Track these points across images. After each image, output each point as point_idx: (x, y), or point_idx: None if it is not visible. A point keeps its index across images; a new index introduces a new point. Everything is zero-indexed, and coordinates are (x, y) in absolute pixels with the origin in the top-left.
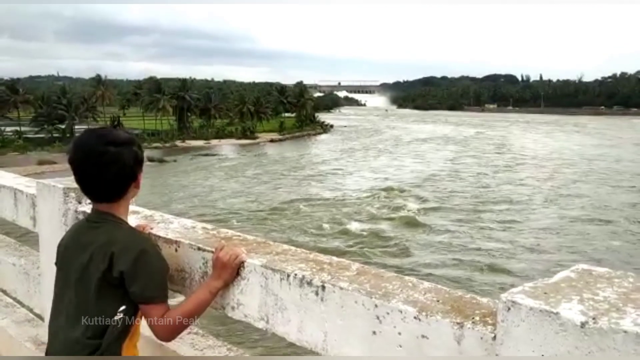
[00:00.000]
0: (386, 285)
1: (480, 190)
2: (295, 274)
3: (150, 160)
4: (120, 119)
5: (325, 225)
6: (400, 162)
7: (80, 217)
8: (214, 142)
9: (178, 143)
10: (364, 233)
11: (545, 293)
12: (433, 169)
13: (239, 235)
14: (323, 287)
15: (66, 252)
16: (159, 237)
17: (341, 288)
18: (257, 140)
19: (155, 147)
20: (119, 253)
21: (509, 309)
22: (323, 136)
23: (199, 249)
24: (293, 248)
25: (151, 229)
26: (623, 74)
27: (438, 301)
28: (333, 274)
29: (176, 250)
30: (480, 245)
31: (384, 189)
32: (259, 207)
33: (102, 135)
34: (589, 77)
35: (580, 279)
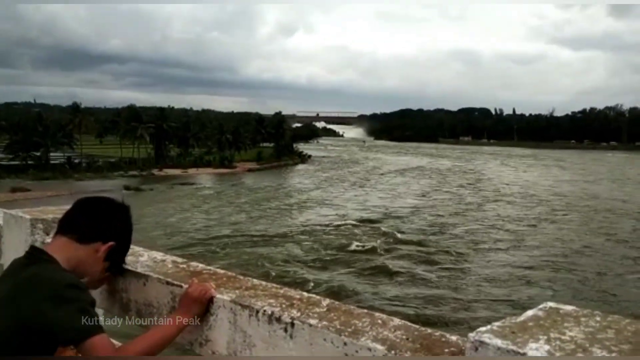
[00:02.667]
0: (356, 322)
1: (439, 229)
2: (264, 310)
3: (127, 188)
4: (97, 147)
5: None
6: (370, 196)
7: None
8: (192, 171)
9: (155, 172)
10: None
11: (513, 332)
12: (398, 205)
13: (209, 269)
14: (292, 324)
15: None
16: (128, 270)
17: (310, 325)
18: (235, 170)
19: (132, 176)
20: (44, 293)
21: (477, 348)
22: (301, 166)
23: (167, 283)
24: (264, 283)
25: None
26: (592, 109)
27: (407, 339)
28: (303, 310)
29: (144, 284)
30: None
31: (349, 223)
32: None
33: (102, 199)
34: (560, 111)
35: (548, 317)
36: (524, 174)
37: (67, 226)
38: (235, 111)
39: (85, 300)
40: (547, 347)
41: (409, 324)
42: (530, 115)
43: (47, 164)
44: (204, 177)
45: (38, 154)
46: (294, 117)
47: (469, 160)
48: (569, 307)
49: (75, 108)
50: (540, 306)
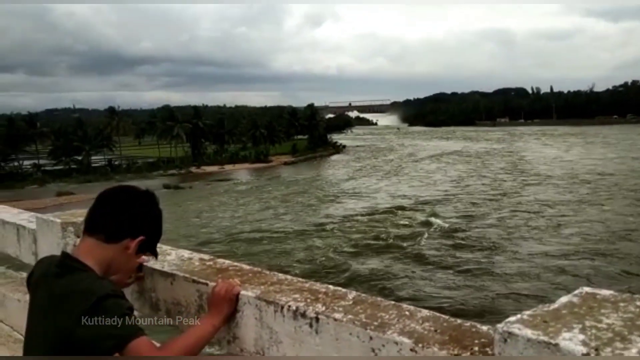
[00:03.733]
0: (382, 315)
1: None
2: (289, 306)
3: (166, 187)
4: (136, 148)
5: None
6: (404, 185)
7: None
8: (229, 167)
9: (193, 169)
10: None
11: (544, 322)
12: (431, 193)
13: (235, 266)
14: (317, 319)
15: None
16: (155, 270)
17: (335, 319)
18: (271, 164)
19: (171, 174)
20: (82, 304)
21: (506, 340)
22: (336, 157)
23: (193, 281)
24: (289, 277)
25: (148, 261)
26: (634, 82)
27: (436, 331)
28: (328, 304)
29: (171, 283)
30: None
31: (382, 212)
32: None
33: (125, 189)
34: (600, 87)
35: (584, 304)
36: (565, 153)
37: (92, 226)
38: (268, 105)
39: (123, 306)
40: (581, 336)
41: (438, 314)
42: (569, 92)
43: (89, 167)
44: (241, 173)
45: (80, 158)
46: (326, 108)
47: (507, 141)
48: (606, 292)
49: (112, 111)
50: (576, 292)
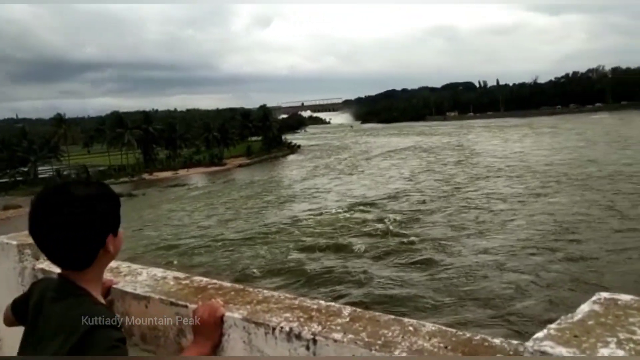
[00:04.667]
0: (384, 332)
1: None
2: (282, 327)
3: (119, 195)
4: (85, 156)
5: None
6: (355, 184)
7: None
8: (182, 172)
9: (145, 176)
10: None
11: (575, 336)
12: (382, 192)
13: (214, 283)
14: (314, 341)
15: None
16: (127, 293)
17: (335, 340)
18: (226, 167)
19: (123, 182)
20: (72, 334)
21: None
22: (291, 157)
23: (171, 304)
24: (275, 294)
25: (116, 283)
26: (575, 73)
27: (446, 347)
28: (324, 324)
29: (146, 306)
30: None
31: (331, 213)
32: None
33: (58, 195)
34: (543, 79)
35: (607, 312)
36: (514, 145)
37: (60, 261)
38: (219, 108)
39: (112, 338)
40: (620, 352)
41: (444, 328)
42: (514, 84)
43: (36, 178)
44: (195, 177)
45: (26, 169)
46: (279, 109)
47: (458, 135)
48: (626, 297)
49: (59, 119)
50: (594, 298)
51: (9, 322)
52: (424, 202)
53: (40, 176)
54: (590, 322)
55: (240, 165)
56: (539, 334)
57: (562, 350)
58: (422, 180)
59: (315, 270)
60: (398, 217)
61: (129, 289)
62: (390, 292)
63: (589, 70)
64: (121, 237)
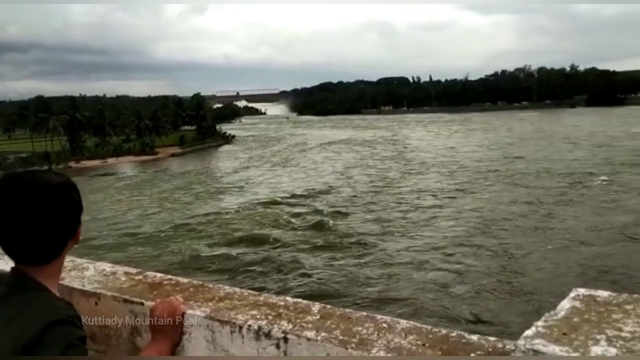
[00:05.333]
0: (358, 329)
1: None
2: (250, 325)
3: None
4: (5, 142)
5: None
6: (287, 177)
7: None
8: (112, 160)
9: (72, 164)
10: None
11: (564, 334)
12: (313, 185)
13: (170, 279)
14: (285, 339)
15: None
16: (74, 289)
17: (308, 339)
18: (158, 156)
19: (48, 170)
20: (28, 332)
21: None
22: (225, 147)
23: (125, 301)
24: (238, 290)
25: (62, 279)
26: (504, 72)
27: (424, 345)
28: (294, 321)
29: (96, 303)
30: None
31: (259, 206)
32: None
33: (32, 181)
34: (474, 76)
35: (589, 309)
36: (447, 140)
37: (25, 255)
38: (152, 95)
39: (72, 335)
40: (612, 350)
41: (419, 325)
42: (447, 80)
43: None
44: (125, 166)
45: None
46: (213, 98)
47: (393, 130)
48: (604, 293)
49: None
50: (572, 294)
51: None
52: (354, 197)
53: None
54: (575, 319)
55: (172, 155)
56: (528, 332)
57: (555, 349)
58: (354, 174)
59: (239, 263)
60: (326, 212)
61: (76, 285)
62: (313, 286)
63: (517, 70)
64: (81, 227)
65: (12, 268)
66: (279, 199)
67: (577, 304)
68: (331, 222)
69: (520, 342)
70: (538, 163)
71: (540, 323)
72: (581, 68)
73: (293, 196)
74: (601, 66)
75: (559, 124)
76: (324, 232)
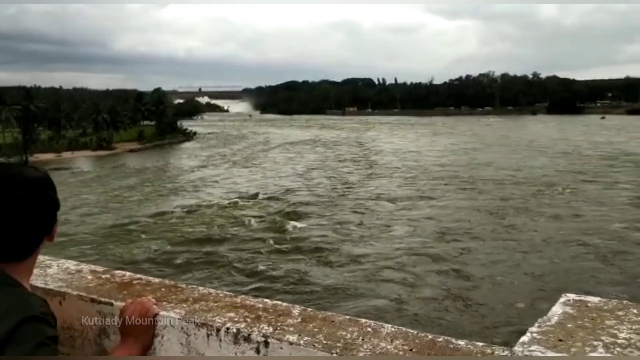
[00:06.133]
0: (342, 333)
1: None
2: (228, 328)
3: None
4: None
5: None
6: (246, 177)
7: None
8: (67, 154)
9: (25, 157)
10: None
11: (560, 340)
12: (271, 188)
13: (140, 278)
14: (266, 343)
15: None
16: (37, 287)
17: (290, 343)
18: (115, 151)
19: None
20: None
21: None
22: (186, 144)
23: (92, 300)
24: (213, 291)
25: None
26: (468, 77)
27: (411, 350)
28: (274, 324)
29: (60, 303)
30: None
31: (213, 206)
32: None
33: (6, 177)
34: (439, 80)
35: (582, 314)
36: (411, 144)
37: (2, 254)
38: (110, 89)
39: (44, 334)
40: (609, 356)
41: (404, 329)
42: (412, 83)
43: None
44: (81, 161)
45: None
46: (175, 93)
47: (357, 131)
48: (594, 299)
49: None
50: (563, 300)
51: None
52: (307, 203)
53: None
54: (569, 325)
55: (131, 151)
56: (524, 338)
57: (552, 354)
58: (314, 177)
59: (181, 264)
60: (278, 216)
61: (39, 283)
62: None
63: (481, 75)
64: (57, 224)
65: None
66: (232, 201)
67: (568, 309)
68: (283, 226)
69: (517, 348)
70: (502, 170)
71: (534, 329)
72: (542, 76)
73: (246, 198)
74: (561, 74)
75: (523, 131)
76: (273, 235)
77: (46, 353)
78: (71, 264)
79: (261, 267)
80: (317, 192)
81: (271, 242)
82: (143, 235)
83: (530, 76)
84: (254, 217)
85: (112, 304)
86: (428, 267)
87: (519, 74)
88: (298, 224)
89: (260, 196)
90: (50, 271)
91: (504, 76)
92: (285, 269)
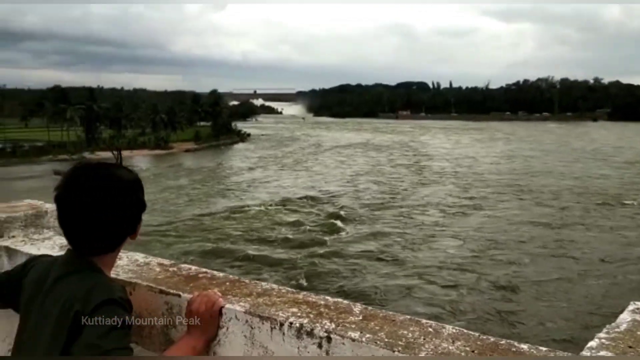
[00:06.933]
0: (403, 332)
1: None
2: (291, 323)
3: (57, 173)
4: (22, 130)
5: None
6: (297, 179)
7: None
8: (126, 153)
9: (87, 155)
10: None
11: (629, 347)
12: (320, 191)
13: (206, 272)
14: (329, 339)
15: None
16: (109, 278)
17: (352, 339)
18: (172, 151)
19: (63, 160)
20: (82, 307)
21: None
22: (240, 145)
23: (161, 292)
24: (276, 287)
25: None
26: (525, 81)
27: (473, 351)
28: (336, 321)
29: (131, 293)
30: None
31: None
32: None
33: (106, 176)
34: (494, 84)
35: None
36: (467, 149)
37: (86, 243)
38: (168, 90)
39: (120, 318)
40: None
41: (466, 331)
42: (467, 88)
43: None
44: (140, 159)
45: None
46: (230, 95)
47: (411, 135)
48: None
49: None
50: (631, 307)
51: None
52: (351, 209)
53: None
54: (639, 333)
55: (187, 151)
56: (592, 343)
57: None
58: (362, 182)
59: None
60: (319, 222)
61: (112, 273)
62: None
63: (539, 80)
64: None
65: (68, 250)
66: (274, 205)
67: (638, 317)
68: (322, 233)
69: (585, 352)
70: (562, 179)
71: (603, 335)
72: (605, 81)
73: (290, 202)
74: (625, 80)
75: (585, 138)
76: (311, 241)
77: (118, 337)
78: (140, 257)
79: (293, 273)
80: (363, 198)
81: (309, 248)
82: (184, 235)
83: (592, 81)
84: (293, 222)
85: (179, 296)
86: (471, 282)
87: (579, 79)
88: (338, 233)
89: (305, 200)
90: (120, 262)
91: (564, 81)
92: (319, 278)
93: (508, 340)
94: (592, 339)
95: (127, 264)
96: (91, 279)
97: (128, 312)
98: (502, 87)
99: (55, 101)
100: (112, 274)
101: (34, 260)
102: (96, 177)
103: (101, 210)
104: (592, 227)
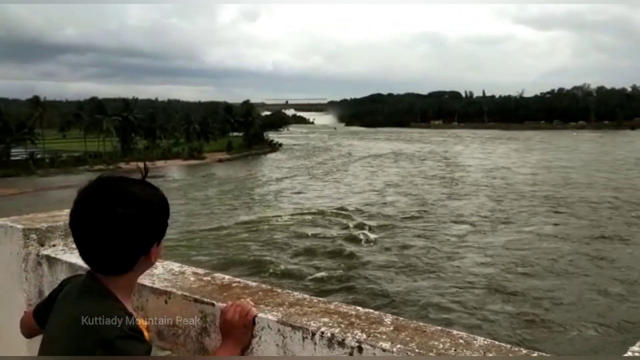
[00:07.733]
0: (434, 343)
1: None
2: (322, 332)
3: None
4: (60, 141)
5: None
6: (326, 190)
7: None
8: (160, 163)
9: (122, 165)
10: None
11: None
12: (346, 203)
13: (239, 282)
14: (360, 349)
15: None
16: (145, 286)
17: (383, 349)
18: (205, 161)
19: (99, 170)
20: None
21: None
22: (272, 155)
23: (195, 300)
24: (307, 297)
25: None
26: (560, 90)
27: None
28: (367, 331)
29: (166, 302)
30: None
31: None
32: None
33: (116, 193)
34: (528, 93)
35: None
36: (501, 159)
37: (96, 263)
38: (202, 101)
39: (139, 351)
40: None
41: (497, 343)
42: (500, 96)
43: (9, 160)
44: (173, 169)
45: None
46: (262, 105)
47: (444, 145)
48: None
49: (36, 101)
50: None
51: (28, 331)
52: (377, 222)
53: (12, 158)
54: None
55: (220, 160)
56: (629, 354)
57: None
58: (391, 194)
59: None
60: (342, 234)
61: (147, 282)
62: None
63: (575, 88)
64: (162, 246)
65: (87, 271)
66: (298, 217)
67: None
68: (343, 245)
69: (628, 354)
70: (602, 191)
71: (636, 348)
72: None
73: (315, 214)
74: None
75: (626, 148)
76: (331, 252)
77: None
78: (175, 266)
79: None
80: (390, 210)
81: (328, 261)
82: (208, 245)
83: (629, 89)
84: (319, 233)
85: (213, 305)
86: (496, 306)
87: (616, 87)
88: (359, 245)
89: (335, 211)
90: (156, 271)
91: (600, 89)
92: (348, 289)
93: (540, 353)
94: None
95: (162, 272)
96: (92, 303)
97: (128, 338)
98: (536, 96)
99: (92, 112)
100: (148, 283)
101: (69, 279)
102: (105, 194)
103: (103, 228)
104: (631, 243)
